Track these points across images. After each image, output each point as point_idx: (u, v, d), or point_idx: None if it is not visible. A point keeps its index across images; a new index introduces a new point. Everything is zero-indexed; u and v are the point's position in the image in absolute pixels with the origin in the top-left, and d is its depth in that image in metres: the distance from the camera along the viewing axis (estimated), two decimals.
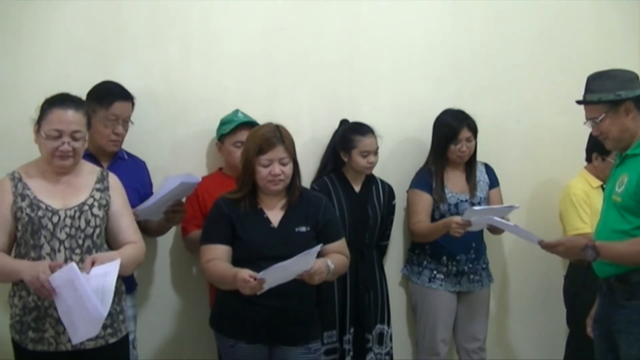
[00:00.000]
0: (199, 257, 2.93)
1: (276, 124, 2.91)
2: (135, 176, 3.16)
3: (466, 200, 3.64)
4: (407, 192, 3.75)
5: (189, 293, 3.52)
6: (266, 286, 2.64)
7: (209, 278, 2.93)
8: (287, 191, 2.91)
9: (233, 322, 2.87)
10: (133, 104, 3.17)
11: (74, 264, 2.46)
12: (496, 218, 2.96)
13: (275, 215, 2.89)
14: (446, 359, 3.77)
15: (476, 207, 3.36)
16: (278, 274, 2.63)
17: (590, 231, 3.55)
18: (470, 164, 3.71)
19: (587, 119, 2.93)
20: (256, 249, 2.80)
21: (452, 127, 3.61)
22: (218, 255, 2.82)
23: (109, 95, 3.08)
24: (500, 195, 3.76)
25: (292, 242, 2.78)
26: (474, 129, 3.64)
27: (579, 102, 2.95)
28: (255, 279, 2.61)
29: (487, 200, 3.71)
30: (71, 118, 2.59)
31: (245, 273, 2.63)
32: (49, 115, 2.59)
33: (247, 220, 2.86)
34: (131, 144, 3.25)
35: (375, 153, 3.56)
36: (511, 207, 3.32)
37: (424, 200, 3.65)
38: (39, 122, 2.62)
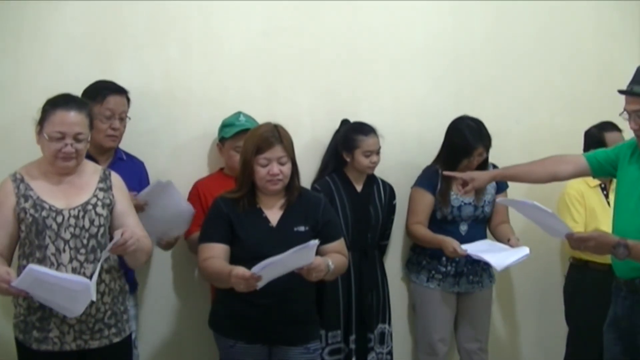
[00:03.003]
0: (198, 256, 2.93)
1: (274, 123, 2.90)
2: (133, 177, 3.15)
3: (470, 203, 3.62)
4: (411, 188, 3.73)
5: (189, 293, 3.53)
6: (262, 283, 2.62)
7: (206, 276, 2.92)
8: (286, 191, 2.91)
9: (232, 322, 2.86)
10: (128, 99, 3.17)
11: (30, 266, 2.42)
12: (536, 203, 2.91)
13: (274, 215, 2.89)
14: (446, 359, 3.77)
15: (469, 245, 3.39)
16: (275, 269, 2.61)
17: (581, 230, 3.55)
18: (481, 168, 3.63)
19: (629, 111, 2.83)
20: (255, 248, 2.79)
21: (469, 144, 3.54)
22: (215, 254, 2.82)
23: (103, 90, 3.08)
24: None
25: (290, 242, 2.75)
26: (488, 145, 3.59)
27: (623, 92, 2.84)
28: (250, 276, 2.59)
29: (491, 204, 3.69)
30: (74, 119, 2.58)
31: (240, 270, 2.62)
32: (51, 117, 2.57)
33: (246, 219, 2.85)
34: (131, 145, 3.26)
35: (378, 153, 3.56)
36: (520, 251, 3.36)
37: (425, 200, 3.63)
38: (41, 123, 2.60)
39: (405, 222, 3.76)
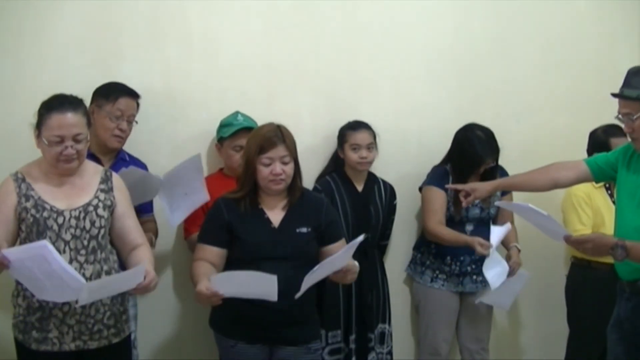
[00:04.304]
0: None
1: (277, 123, 2.90)
2: None
3: (476, 205, 3.62)
4: (422, 188, 3.72)
5: (189, 293, 3.48)
6: (305, 287, 2.62)
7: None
8: (288, 191, 2.90)
9: (233, 323, 2.85)
10: (138, 104, 3.19)
11: (44, 242, 2.41)
12: (531, 206, 2.90)
13: (276, 216, 2.87)
14: (448, 358, 3.78)
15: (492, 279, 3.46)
16: (321, 271, 2.62)
17: (588, 233, 3.54)
18: (489, 174, 3.63)
19: (621, 114, 2.83)
20: (256, 249, 2.79)
21: (479, 157, 3.55)
22: (207, 256, 2.82)
23: (116, 91, 3.11)
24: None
25: (293, 243, 2.77)
26: (497, 157, 3.60)
27: (615, 95, 2.84)
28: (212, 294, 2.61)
29: (496, 206, 3.68)
30: (71, 121, 2.56)
31: (202, 285, 2.62)
32: (48, 121, 2.55)
33: (248, 220, 2.84)
34: (131, 144, 3.25)
35: (368, 148, 3.55)
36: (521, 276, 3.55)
37: (441, 198, 3.63)
38: (38, 127, 2.58)
39: (424, 223, 3.71)
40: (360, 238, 2.64)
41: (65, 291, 2.44)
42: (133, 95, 3.16)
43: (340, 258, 2.65)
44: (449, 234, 3.58)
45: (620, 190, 2.99)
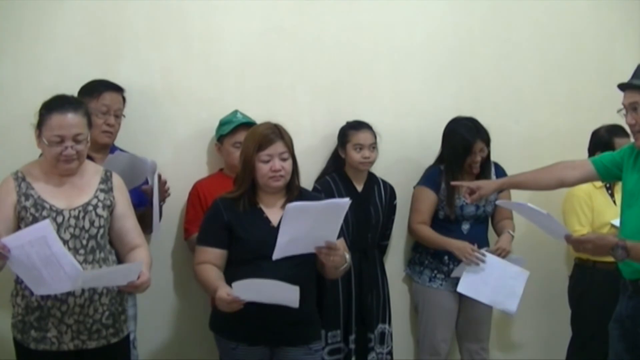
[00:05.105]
0: (194, 257, 2.94)
1: (274, 122, 2.90)
2: None
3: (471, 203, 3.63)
4: (414, 187, 3.74)
5: (189, 293, 3.52)
6: (278, 255, 2.62)
7: (197, 280, 2.92)
8: (287, 190, 2.90)
9: (233, 324, 2.83)
10: (124, 98, 3.20)
11: (47, 221, 2.43)
12: (530, 205, 2.90)
13: (274, 214, 2.87)
14: (448, 358, 3.78)
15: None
16: (301, 227, 2.59)
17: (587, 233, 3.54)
18: (484, 168, 3.66)
19: (627, 105, 2.82)
20: (256, 248, 2.78)
21: (466, 141, 3.57)
22: (209, 258, 2.83)
23: (99, 87, 3.12)
24: (510, 199, 3.73)
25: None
26: (487, 139, 3.61)
27: (622, 86, 2.83)
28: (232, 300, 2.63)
29: (492, 203, 3.69)
30: (71, 121, 2.57)
31: (223, 292, 2.65)
32: (48, 121, 2.56)
33: (246, 219, 2.84)
34: (131, 144, 3.26)
35: (370, 148, 3.56)
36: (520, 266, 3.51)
37: (430, 199, 3.64)
38: (39, 127, 2.59)
39: (408, 221, 3.76)
40: (347, 200, 2.63)
41: (62, 280, 2.44)
42: (117, 89, 3.17)
43: (324, 213, 2.60)
44: (430, 235, 3.61)
45: (624, 191, 2.99)
